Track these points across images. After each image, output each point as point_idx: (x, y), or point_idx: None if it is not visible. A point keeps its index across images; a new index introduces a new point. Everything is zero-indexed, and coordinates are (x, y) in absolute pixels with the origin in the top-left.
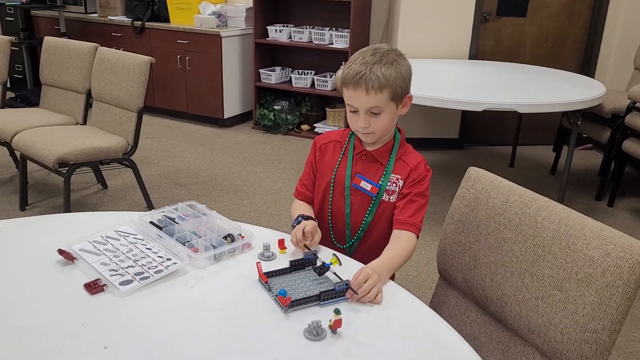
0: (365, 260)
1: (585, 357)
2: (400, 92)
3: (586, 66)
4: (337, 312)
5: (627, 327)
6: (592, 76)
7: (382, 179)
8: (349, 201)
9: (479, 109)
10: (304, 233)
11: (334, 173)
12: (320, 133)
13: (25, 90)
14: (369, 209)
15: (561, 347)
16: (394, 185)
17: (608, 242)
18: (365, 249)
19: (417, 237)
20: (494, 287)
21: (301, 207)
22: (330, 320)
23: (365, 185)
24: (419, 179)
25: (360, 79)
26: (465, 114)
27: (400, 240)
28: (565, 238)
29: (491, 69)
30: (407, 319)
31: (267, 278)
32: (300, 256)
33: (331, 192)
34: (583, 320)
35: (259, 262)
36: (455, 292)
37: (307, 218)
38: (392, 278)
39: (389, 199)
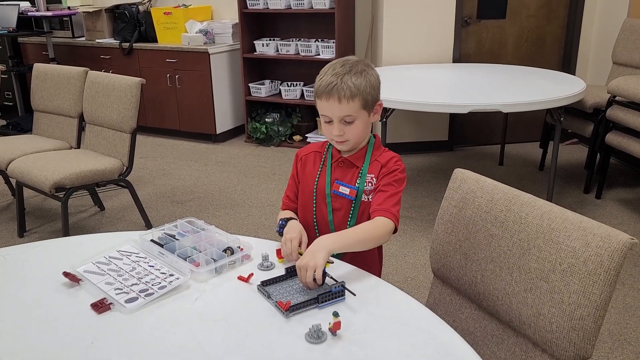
0: (354, 263)
1: (574, 344)
2: (370, 100)
3: (567, 63)
4: (335, 314)
5: (620, 315)
6: (573, 73)
7: (358, 181)
8: (330, 208)
9: (464, 111)
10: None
11: (316, 182)
12: (313, 143)
13: (17, 117)
14: (351, 212)
15: (551, 336)
16: (370, 184)
17: (588, 233)
18: (353, 253)
19: (395, 224)
20: (485, 282)
21: (285, 215)
22: (329, 323)
23: (344, 190)
24: (388, 172)
25: (332, 89)
26: (453, 116)
27: (367, 223)
28: (548, 231)
29: (475, 71)
30: (404, 318)
31: (247, 279)
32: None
33: (314, 201)
34: (569, 308)
35: (241, 276)
36: (449, 290)
37: (288, 220)
38: (380, 275)
39: (368, 198)
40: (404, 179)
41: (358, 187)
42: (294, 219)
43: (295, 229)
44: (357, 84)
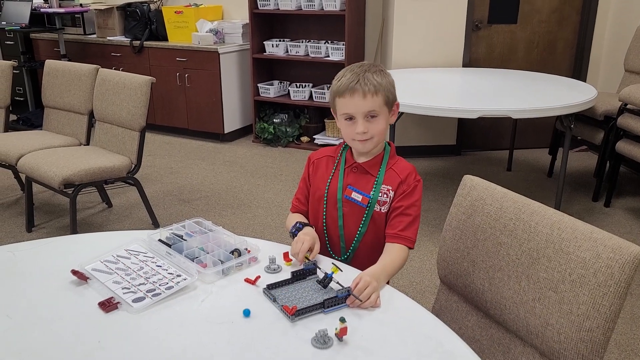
0: (362, 270)
1: (582, 356)
2: (391, 98)
3: (578, 70)
4: (342, 320)
5: (628, 325)
6: (584, 79)
7: (373, 190)
8: (341, 213)
9: (474, 116)
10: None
11: (327, 186)
12: (320, 144)
13: (27, 112)
14: (363, 220)
15: (558, 346)
16: (385, 196)
17: (598, 244)
18: (361, 260)
19: (411, 248)
20: (492, 290)
21: (296, 217)
22: (336, 329)
23: (356, 196)
24: (409, 191)
25: (356, 85)
26: (461, 120)
27: (392, 251)
28: (558, 241)
29: (484, 76)
30: (410, 325)
31: (254, 281)
32: (301, 267)
33: (324, 204)
34: (578, 319)
35: (248, 278)
36: (456, 297)
37: (305, 225)
38: (388, 283)
39: (381, 209)
40: (421, 189)
41: (372, 197)
42: (310, 226)
43: (311, 234)
44: (379, 80)
